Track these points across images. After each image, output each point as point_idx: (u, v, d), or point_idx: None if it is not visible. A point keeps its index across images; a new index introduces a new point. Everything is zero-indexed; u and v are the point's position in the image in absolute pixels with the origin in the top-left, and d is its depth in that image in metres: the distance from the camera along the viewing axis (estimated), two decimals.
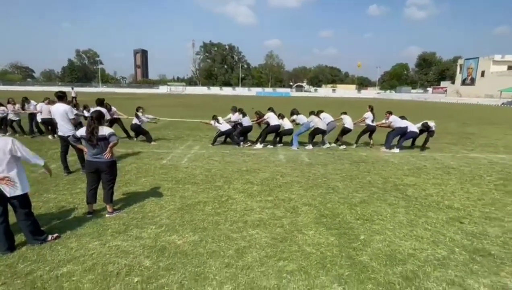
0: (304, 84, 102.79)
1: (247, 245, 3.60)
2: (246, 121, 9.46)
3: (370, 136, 9.93)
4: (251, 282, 2.92)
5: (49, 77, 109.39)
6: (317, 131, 9.12)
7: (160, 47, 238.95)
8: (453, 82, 75.66)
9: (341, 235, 3.89)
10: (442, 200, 5.25)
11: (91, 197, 4.28)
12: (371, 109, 9.65)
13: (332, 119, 9.56)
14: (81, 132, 4.18)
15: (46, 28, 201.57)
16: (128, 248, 3.47)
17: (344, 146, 9.57)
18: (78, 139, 4.22)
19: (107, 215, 4.29)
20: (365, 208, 4.79)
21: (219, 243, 3.64)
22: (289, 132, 9.30)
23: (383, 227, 4.15)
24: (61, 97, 6.29)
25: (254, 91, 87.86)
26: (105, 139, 4.13)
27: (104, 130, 4.16)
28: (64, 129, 6.24)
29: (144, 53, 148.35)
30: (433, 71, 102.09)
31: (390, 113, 9.38)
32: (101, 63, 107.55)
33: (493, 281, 3.03)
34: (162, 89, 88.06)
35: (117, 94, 61.61)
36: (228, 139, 9.73)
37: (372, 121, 9.55)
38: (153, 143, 9.68)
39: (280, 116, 9.28)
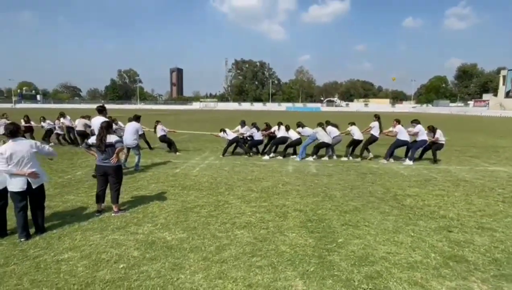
0: (335, 99, 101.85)
1: (228, 243, 3.90)
2: (258, 136, 9.86)
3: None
4: (221, 273, 3.22)
5: (93, 96, 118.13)
6: (322, 144, 9.25)
7: (194, 65, 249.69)
8: (495, 95, 71.06)
9: (321, 238, 4.06)
10: (438, 210, 5.20)
11: (100, 197, 4.83)
12: (378, 118, 9.60)
13: (338, 133, 9.63)
14: (92, 139, 4.79)
15: (93, 50, 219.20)
16: (122, 241, 3.91)
17: (371, 155, 9.66)
18: (90, 146, 4.83)
19: (112, 214, 4.80)
20: (355, 215, 4.90)
21: (203, 240, 3.98)
22: (298, 141, 9.55)
23: (365, 233, 4.25)
24: (101, 110, 7.13)
25: (284, 106, 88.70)
26: (112, 145, 4.70)
27: (111, 138, 4.73)
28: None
29: (179, 72, 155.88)
30: (474, 83, 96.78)
31: (398, 122, 9.31)
32: (140, 81, 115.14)
33: (459, 284, 3.07)
34: (195, 105, 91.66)
35: (153, 110, 65.21)
36: (237, 150, 10.22)
37: (380, 132, 9.52)
38: (178, 153, 10.39)
39: (287, 128, 9.56)
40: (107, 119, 7.08)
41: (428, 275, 3.21)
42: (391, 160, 9.35)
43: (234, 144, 10.10)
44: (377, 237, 4.11)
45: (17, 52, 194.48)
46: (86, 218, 4.66)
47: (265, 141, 10.44)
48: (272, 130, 9.55)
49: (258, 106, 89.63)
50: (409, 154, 9.23)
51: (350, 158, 9.63)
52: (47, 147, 4.07)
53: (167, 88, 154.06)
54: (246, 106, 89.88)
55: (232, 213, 4.97)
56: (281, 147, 10.00)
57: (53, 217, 4.69)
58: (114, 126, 8.39)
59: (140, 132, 8.47)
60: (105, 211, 4.92)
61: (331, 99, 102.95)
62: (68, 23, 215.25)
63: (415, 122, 9.30)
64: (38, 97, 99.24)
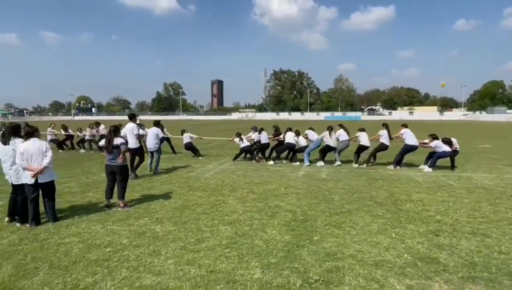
0: (377, 107, 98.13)
1: (209, 236, 4.20)
2: (264, 138, 10.14)
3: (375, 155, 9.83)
4: (191, 260, 3.52)
5: (141, 108, 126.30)
6: (327, 148, 9.25)
7: (235, 77, 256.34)
8: None
9: (298, 235, 4.20)
10: (435, 215, 5.03)
11: (108, 194, 5.41)
12: (386, 126, 9.47)
13: (347, 138, 9.58)
14: (102, 142, 5.41)
15: (142, 66, 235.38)
16: (117, 231, 4.39)
17: (374, 162, 9.55)
18: (101, 148, 5.46)
19: (118, 209, 5.35)
20: (343, 217, 4.93)
21: (187, 233, 4.32)
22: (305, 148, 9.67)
23: (345, 233, 4.30)
24: (131, 117, 8.09)
25: (323, 115, 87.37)
26: (118, 147, 5.27)
27: (118, 140, 5.32)
28: (131, 142, 7.83)
29: (220, 83, 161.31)
30: None
31: (405, 126, 9.28)
32: (183, 94, 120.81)
33: (419, 283, 3.05)
34: (234, 116, 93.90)
35: (194, 120, 68.13)
36: (247, 156, 10.58)
37: (390, 139, 9.34)
38: (200, 158, 11.11)
39: (297, 134, 9.69)
40: (134, 124, 7.90)
41: (390, 273, 3.22)
42: (398, 167, 9.14)
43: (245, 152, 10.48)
44: (356, 237, 4.14)
45: (76, 69, 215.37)
46: (95, 211, 5.25)
47: (272, 145, 10.73)
48: (280, 137, 9.74)
49: (296, 115, 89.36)
50: (429, 162, 8.90)
51: (357, 165, 9.49)
52: (49, 155, 4.59)
53: (208, 100, 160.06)
54: (284, 115, 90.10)
55: (225, 211, 5.27)
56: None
57: (69, 209, 5.36)
58: (141, 131, 9.08)
59: (160, 136, 9.06)
60: (114, 206, 5.48)
61: (373, 107, 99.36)
62: (120, 41, 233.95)
63: (432, 136, 9.01)
64: (93, 109, 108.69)
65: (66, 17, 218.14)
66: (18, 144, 4.47)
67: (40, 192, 4.62)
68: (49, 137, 13.79)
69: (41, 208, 4.74)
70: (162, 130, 11.52)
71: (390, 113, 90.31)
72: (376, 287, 2.97)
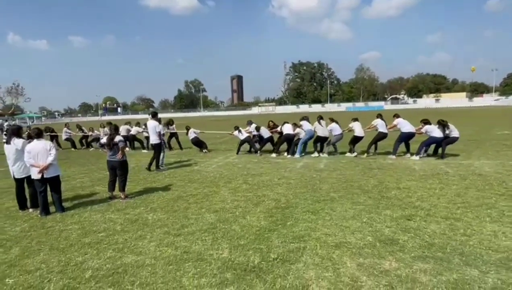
0: (401, 96, 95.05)
1: (192, 223, 4.60)
2: (265, 133, 10.43)
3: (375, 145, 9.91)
4: (170, 243, 3.93)
5: (164, 105, 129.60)
6: (318, 138, 9.46)
7: (254, 71, 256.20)
8: None
9: (274, 221, 4.50)
10: (415, 201, 5.16)
11: (110, 186, 5.95)
12: (380, 116, 9.60)
13: (340, 131, 9.67)
14: (104, 140, 5.94)
15: (164, 65, 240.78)
16: (114, 219, 4.89)
17: (355, 153, 9.66)
18: (103, 145, 6.00)
19: (120, 200, 5.87)
20: (324, 205, 5.17)
21: (175, 219, 4.75)
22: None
23: (319, 218, 4.55)
24: (154, 115, 8.71)
25: (344, 106, 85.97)
26: (117, 144, 5.78)
27: (117, 138, 5.82)
28: (153, 138, 8.54)
29: (239, 79, 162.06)
30: None
31: (397, 116, 9.33)
32: (204, 90, 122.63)
33: (371, 261, 3.28)
34: (254, 110, 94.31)
35: (214, 116, 69.44)
36: (252, 149, 11.00)
37: (386, 127, 9.40)
38: (204, 151, 11.69)
39: (295, 125, 9.92)
40: (157, 122, 8.49)
41: (347, 253, 3.47)
42: (394, 156, 9.14)
43: (246, 143, 10.85)
44: (328, 222, 4.39)
45: (102, 70, 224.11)
46: (99, 203, 5.81)
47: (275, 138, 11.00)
48: (278, 129, 10.00)
49: (316, 107, 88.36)
50: (417, 149, 8.98)
51: (355, 153, 9.61)
52: (53, 153, 5.12)
53: (228, 95, 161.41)
54: (304, 108, 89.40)
55: (214, 201, 5.65)
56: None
57: (76, 200, 5.97)
58: (161, 127, 9.20)
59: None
60: (116, 198, 6.01)
61: (397, 96, 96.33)
62: (143, 42, 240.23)
63: (423, 121, 8.95)
64: (119, 109, 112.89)
65: (92, 21, 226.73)
66: (18, 143, 5.09)
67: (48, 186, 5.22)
68: (64, 136, 14.86)
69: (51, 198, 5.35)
70: (169, 125, 12.22)
71: (415, 101, 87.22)
72: (328, 265, 3.24)
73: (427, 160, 8.70)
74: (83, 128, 15.66)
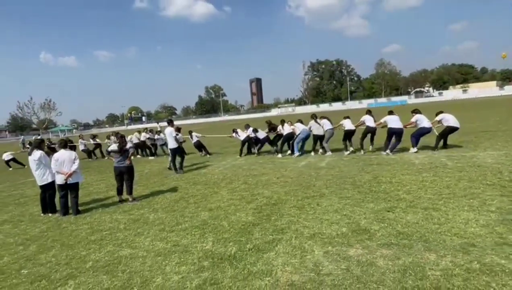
0: (425, 89, 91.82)
1: (187, 220, 5.03)
2: (261, 135, 10.83)
3: (372, 140, 10.04)
4: (163, 237, 4.38)
5: (186, 112, 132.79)
6: (314, 137, 9.70)
7: (273, 73, 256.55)
8: None
9: (261, 217, 4.84)
10: (401, 194, 5.31)
11: (119, 191, 6.53)
12: (369, 112, 9.76)
13: (331, 126, 9.89)
14: (113, 147, 6.54)
15: (185, 72, 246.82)
16: (119, 219, 5.43)
17: (352, 149, 9.82)
18: (109, 153, 6.60)
19: (128, 203, 6.43)
20: (312, 200, 5.44)
21: (172, 218, 5.21)
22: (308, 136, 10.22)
23: (303, 213, 4.84)
24: (169, 122, 9.44)
25: (365, 103, 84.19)
26: (127, 150, 6.36)
27: (127, 145, 6.42)
28: (171, 144, 9.21)
29: (258, 81, 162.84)
30: None
31: (390, 112, 9.35)
32: (224, 95, 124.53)
33: (338, 249, 3.55)
34: (274, 112, 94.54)
35: (234, 120, 70.33)
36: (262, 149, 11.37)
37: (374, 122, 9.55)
38: (208, 156, 12.16)
39: (290, 124, 10.30)
40: (172, 128, 9.16)
41: (318, 243, 3.76)
42: (387, 152, 9.09)
43: (247, 144, 11.38)
44: (310, 216, 4.67)
45: (127, 81, 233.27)
46: (109, 205, 6.40)
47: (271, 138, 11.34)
48: (278, 130, 10.33)
49: (336, 105, 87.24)
50: (411, 142, 9.07)
51: (351, 148, 9.80)
52: (77, 162, 5.82)
53: (248, 98, 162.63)
54: (324, 107, 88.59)
55: (212, 200, 6.07)
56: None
57: (91, 204, 6.59)
58: (176, 133, 9.77)
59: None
60: (125, 201, 6.58)
61: (421, 89, 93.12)
62: (164, 51, 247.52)
63: (414, 112, 9.01)
64: (143, 118, 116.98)
65: (115, 36, 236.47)
66: (36, 155, 5.79)
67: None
68: (81, 147, 15.88)
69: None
70: (190, 134, 12.90)
71: (440, 93, 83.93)
72: (297, 253, 3.55)
73: (431, 153, 8.68)
74: (97, 138, 16.60)
